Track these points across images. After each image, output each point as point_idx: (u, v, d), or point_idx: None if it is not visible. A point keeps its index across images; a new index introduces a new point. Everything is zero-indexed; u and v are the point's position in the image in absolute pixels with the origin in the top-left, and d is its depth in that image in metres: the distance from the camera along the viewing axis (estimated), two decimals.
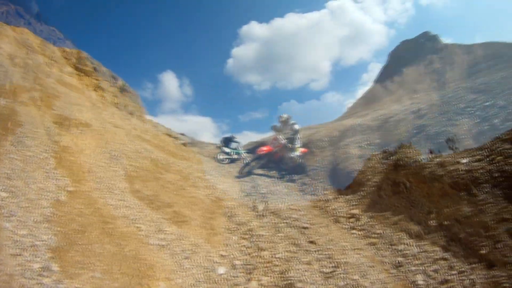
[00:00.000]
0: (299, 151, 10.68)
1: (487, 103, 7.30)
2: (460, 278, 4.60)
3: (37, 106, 9.34)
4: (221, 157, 13.80)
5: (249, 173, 9.89)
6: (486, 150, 6.03)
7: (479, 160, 5.91)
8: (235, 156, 14.12)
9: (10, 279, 3.19)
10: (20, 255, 3.62)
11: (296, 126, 10.56)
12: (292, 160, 10.62)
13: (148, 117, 25.81)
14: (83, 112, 10.19)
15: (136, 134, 10.68)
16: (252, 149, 15.37)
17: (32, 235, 4.04)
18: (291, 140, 10.38)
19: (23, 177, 5.40)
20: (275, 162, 10.39)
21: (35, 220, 4.39)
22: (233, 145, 14.83)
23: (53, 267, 3.64)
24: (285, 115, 10.60)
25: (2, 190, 4.79)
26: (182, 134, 28.76)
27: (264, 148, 9.89)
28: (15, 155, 6.02)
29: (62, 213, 4.75)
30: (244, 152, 14.23)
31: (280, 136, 10.22)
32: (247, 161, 10.35)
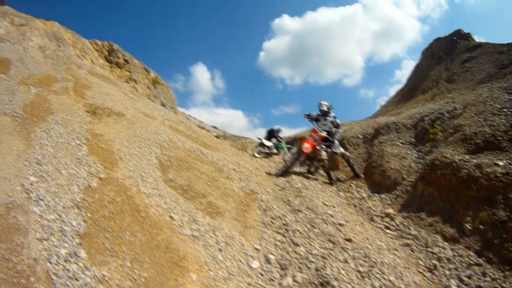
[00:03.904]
0: (340, 147, 9.82)
1: None
2: (493, 285, 4.56)
3: (69, 95, 9.45)
4: (257, 150, 13.61)
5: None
6: None
7: None
8: (274, 151, 13.84)
9: (35, 264, 3.09)
10: (47, 239, 3.52)
11: (338, 120, 9.90)
12: (340, 156, 9.98)
13: (180, 109, 26.21)
14: (115, 102, 10.23)
15: (169, 124, 10.64)
16: (292, 141, 15.08)
17: (60, 220, 3.94)
18: (331, 134, 9.54)
19: (54, 163, 5.37)
20: (312, 158, 9.91)
21: (64, 205, 4.30)
22: (274, 140, 14.57)
23: (80, 253, 3.52)
24: (326, 103, 9.63)
25: (32, 174, 4.75)
26: (214, 127, 29.10)
27: (307, 145, 9.13)
28: (46, 141, 6.04)
29: (93, 200, 4.65)
30: (286, 147, 13.92)
31: (319, 128, 9.49)
32: (288, 161, 9.52)
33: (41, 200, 4.22)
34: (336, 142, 9.67)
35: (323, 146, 9.39)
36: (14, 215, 3.64)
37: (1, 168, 4.57)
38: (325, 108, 9.73)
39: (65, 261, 3.34)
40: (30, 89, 8.60)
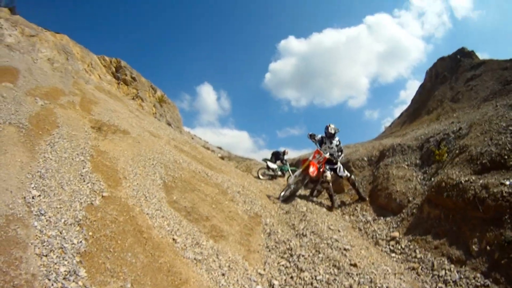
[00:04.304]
0: (344, 169, 9.80)
1: None
2: None
3: (75, 110, 9.50)
4: (261, 172, 13.60)
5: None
6: None
7: None
8: (279, 173, 13.84)
9: (33, 279, 3.03)
10: (46, 255, 3.47)
11: (341, 145, 9.90)
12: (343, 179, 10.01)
13: (186, 128, 26.34)
14: (121, 119, 10.27)
15: (174, 144, 10.66)
16: (296, 163, 15.03)
17: (61, 237, 3.90)
18: (334, 156, 9.53)
19: (57, 177, 5.35)
20: (316, 181, 9.82)
21: (66, 222, 4.25)
22: (279, 162, 14.55)
23: (80, 272, 3.47)
24: (334, 126, 9.61)
25: (34, 188, 4.72)
26: (219, 148, 29.21)
27: (313, 169, 8.85)
28: (50, 155, 6.02)
29: (95, 218, 4.61)
30: (291, 169, 13.89)
31: (322, 150, 9.39)
32: (292, 185, 9.31)
33: (43, 215, 4.18)
34: (340, 165, 9.66)
35: (327, 168, 9.35)
36: (14, 228, 3.60)
37: (4, 179, 4.55)
38: (332, 131, 9.63)
39: (64, 279, 3.28)
40: (37, 100, 8.64)
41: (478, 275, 5.16)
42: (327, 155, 9.27)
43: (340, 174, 9.56)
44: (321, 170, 9.19)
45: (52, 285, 3.14)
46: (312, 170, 8.96)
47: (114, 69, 19.09)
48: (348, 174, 9.76)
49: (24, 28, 14.66)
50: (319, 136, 9.82)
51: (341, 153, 9.81)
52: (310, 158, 9.35)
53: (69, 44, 16.69)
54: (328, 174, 9.21)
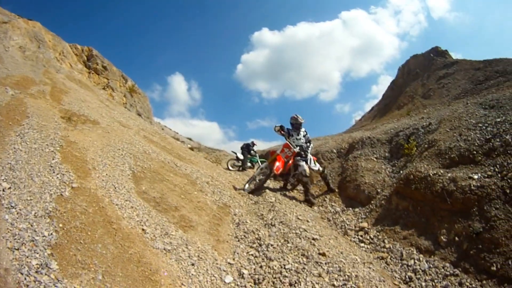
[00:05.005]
0: (315, 161, 9.64)
1: (499, 119, 7.15)
2: None
3: (45, 99, 9.31)
4: (231, 163, 13.73)
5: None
6: (497, 166, 6.06)
7: (490, 176, 5.91)
8: (248, 164, 13.98)
9: (6, 274, 3.01)
10: (18, 249, 3.45)
11: (309, 136, 9.66)
12: (314, 171, 9.71)
13: (156, 119, 26.06)
14: (91, 109, 10.13)
15: (144, 135, 10.57)
16: (266, 155, 15.15)
17: (32, 230, 3.87)
18: (303, 148, 9.29)
19: (27, 169, 5.28)
20: (285, 174, 9.79)
21: (36, 214, 4.22)
22: (251, 152, 14.69)
23: (52, 264, 3.46)
24: (300, 117, 9.39)
25: (4, 180, 4.66)
26: (189, 139, 29.05)
27: (278, 165, 8.60)
28: (20, 146, 5.93)
29: (65, 210, 4.57)
30: (260, 161, 14.07)
31: (293, 144, 9.10)
32: (257, 178, 9.07)
33: (13, 207, 4.14)
34: (311, 157, 9.53)
35: (298, 159, 9.12)
36: None
37: None
38: (301, 121, 9.46)
39: (36, 272, 3.27)
40: (7, 90, 8.43)
41: (447, 264, 5.27)
42: (297, 149, 9.05)
43: (312, 167, 9.38)
44: (288, 164, 9.03)
45: (25, 279, 3.13)
46: (277, 166, 8.70)
47: (85, 58, 18.65)
48: (321, 169, 9.70)
49: None
50: (286, 128, 9.59)
51: (310, 144, 9.69)
52: (278, 151, 9.11)
53: (41, 31, 16.23)
54: (306, 168, 9.01)
